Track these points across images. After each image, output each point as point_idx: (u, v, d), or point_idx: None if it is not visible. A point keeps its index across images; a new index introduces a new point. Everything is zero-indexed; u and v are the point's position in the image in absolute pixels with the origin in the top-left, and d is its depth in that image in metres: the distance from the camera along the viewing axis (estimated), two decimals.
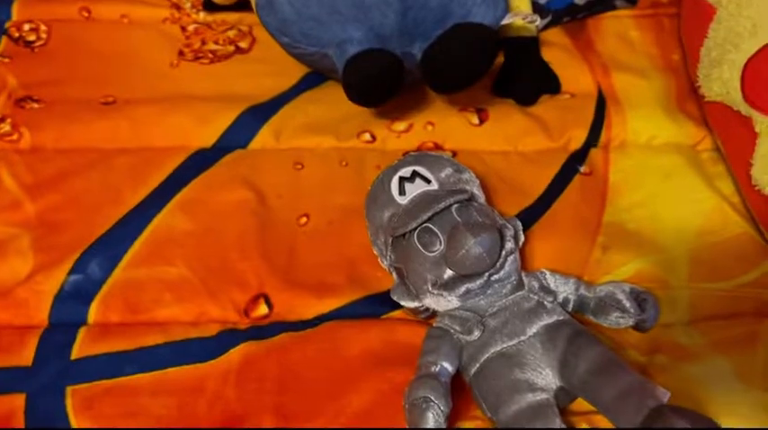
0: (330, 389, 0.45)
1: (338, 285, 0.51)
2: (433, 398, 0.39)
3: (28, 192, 0.55)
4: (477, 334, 0.42)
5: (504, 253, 0.43)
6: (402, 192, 0.47)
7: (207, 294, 0.50)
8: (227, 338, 0.48)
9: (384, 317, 0.49)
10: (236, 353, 0.47)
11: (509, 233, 0.44)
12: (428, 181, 0.47)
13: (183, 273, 0.51)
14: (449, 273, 0.43)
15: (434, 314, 0.47)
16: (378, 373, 0.46)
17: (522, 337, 0.42)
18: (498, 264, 0.43)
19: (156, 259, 0.52)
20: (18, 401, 0.44)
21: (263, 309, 0.50)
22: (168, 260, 0.52)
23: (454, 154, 0.58)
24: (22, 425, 0.43)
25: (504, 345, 0.42)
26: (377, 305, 0.50)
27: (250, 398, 0.45)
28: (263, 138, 0.59)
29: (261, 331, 0.48)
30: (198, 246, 0.53)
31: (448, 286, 0.43)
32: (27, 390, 0.45)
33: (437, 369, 0.42)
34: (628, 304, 0.43)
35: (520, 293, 0.44)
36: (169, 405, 0.45)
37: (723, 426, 0.36)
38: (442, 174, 0.48)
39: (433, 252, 0.44)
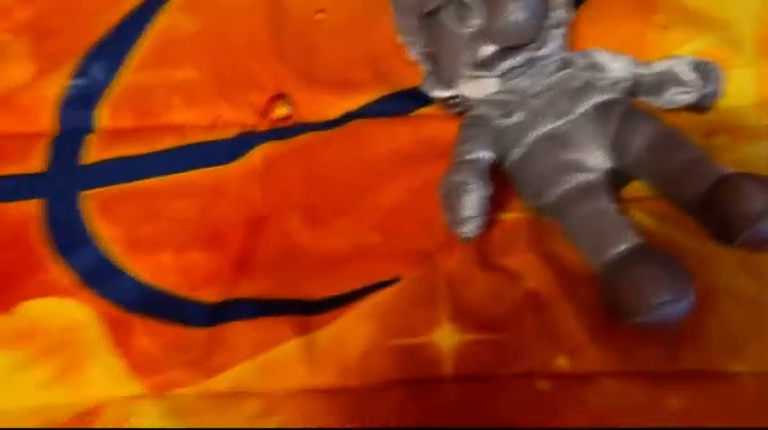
0: (359, 187, 0.42)
1: (362, 82, 0.46)
2: (471, 181, 0.36)
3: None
4: (518, 116, 0.38)
5: (549, 24, 0.38)
6: None
7: (221, 97, 0.46)
8: (247, 140, 0.44)
9: (412, 114, 0.45)
10: (257, 154, 0.44)
11: (556, 0, 0.39)
12: None
13: (193, 75, 0.47)
14: (488, 49, 0.38)
15: (468, 107, 0.43)
16: (408, 170, 0.43)
17: (570, 117, 0.38)
18: (542, 38, 0.38)
19: (162, 62, 0.47)
20: (34, 207, 0.42)
21: (283, 110, 0.46)
22: (176, 63, 0.47)
23: None
24: (43, 233, 0.41)
25: (550, 126, 0.38)
26: (405, 102, 0.45)
27: (275, 198, 0.42)
28: None
29: (282, 132, 0.45)
30: (207, 48, 0.48)
31: (486, 64, 0.39)
32: (42, 196, 0.43)
33: (474, 156, 0.38)
34: (689, 77, 0.38)
35: (567, 71, 0.39)
36: (191, 207, 0.43)
37: None
38: None
39: (470, 27, 0.39)
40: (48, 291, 0.39)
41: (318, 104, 0.46)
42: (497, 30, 0.37)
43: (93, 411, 0.36)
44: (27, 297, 0.39)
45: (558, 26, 0.39)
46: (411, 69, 0.46)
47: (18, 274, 0.40)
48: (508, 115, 0.38)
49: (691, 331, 0.35)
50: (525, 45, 0.38)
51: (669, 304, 0.31)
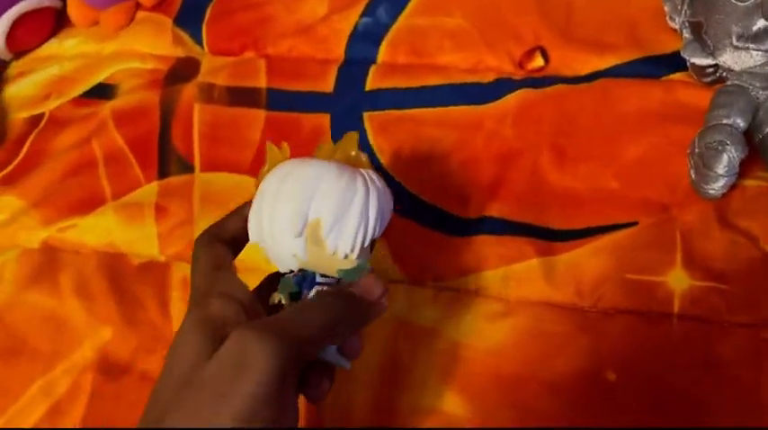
0: (605, 136, 0.46)
1: (617, 44, 0.50)
2: (729, 142, 0.39)
3: None
4: None
5: None
6: None
7: (484, 44, 0.52)
8: (504, 85, 0.50)
9: (664, 78, 0.48)
10: (512, 98, 0.49)
11: None
12: None
13: (462, 23, 0.53)
14: (761, 23, 0.40)
15: (721, 79, 0.45)
16: (655, 128, 0.46)
17: None
18: None
19: (436, 10, 0.54)
20: (324, 119, 0.51)
21: (538, 61, 0.51)
22: (448, 11, 0.54)
23: None
24: (330, 141, 0.50)
25: None
26: (657, 66, 0.48)
27: (527, 137, 0.48)
28: None
29: (536, 81, 0.50)
30: (475, 0, 0.54)
31: (757, 38, 0.41)
32: (330, 111, 0.52)
33: (731, 121, 0.41)
34: None
35: None
36: (451, 137, 0.49)
37: None
38: None
39: (745, 1, 0.41)
40: None
41: (572, 60, 0.50)
42: None
43: None
44: None
45: None
46: (665, 36, 0.49)
47: None
48: None
49: None
50: None
51: None
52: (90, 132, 0.53)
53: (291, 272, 0.32)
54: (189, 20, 0.57)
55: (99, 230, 0.49)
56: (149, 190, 0.50)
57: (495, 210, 0.45)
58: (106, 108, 0.54)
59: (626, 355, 0.39)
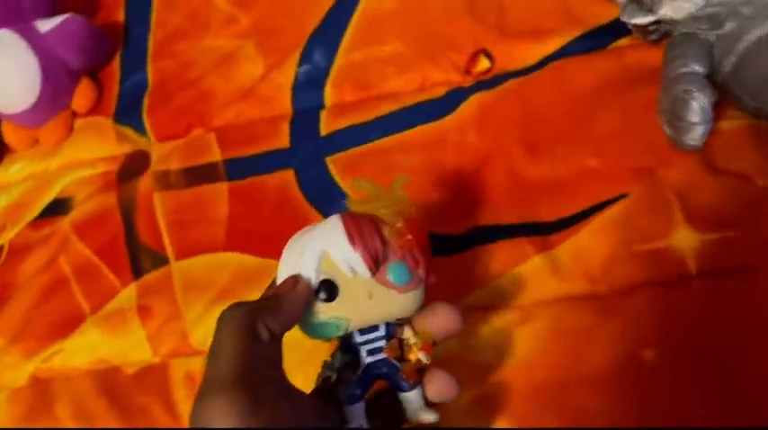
0: (571, 117, 0.45)
1: (555, 27, 0.49)
2: (693, 89, 0.38)
3: (239, 7, 0.59)
4: (729, 26, 0.40)
5: None
6: None
7: (425, 61, 0.51)
8: (457, 95, 0.49)
9: (611, 47, 0.48)
10: (468, 106, 0.48)
11: None
12: None
13: (398, 47, 0.53)
14: None
15: (667, 33, 0.45)
16: (617, 96, 0.45)
17: None
18: None
19: (369, 41, 0.54)
20: (288, 175, 0.50)
21: (484, 64, 0.50)
22: (381, 39, 0.53)
23: None
24: (300, 194, 0.49)
25: (765, 30, 0.39)
26: (601, 37, 0.48)
27: (493, 139, 0.46)
28: None
29: (487, 83, 0.49)
30: (406, 21, 0.53)
31: None
32: (292, 166, 0.50)
33: (690, 69, 0.40)
34: None
35: None
36: (418, 159, 0.48)
37: None
38: None
39: None
40: None
41: (516, 53, 0.50)
42: None
43: None
44: None
45: None
46: (600, 8, 0.48)
47: (288, 230, 0.47)
48: (719, 26, 0.40)
49: None
50: None
51: None
52: (54, 251, 0.51)
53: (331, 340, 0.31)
54: (128, 114, 0.56)
55: (86, 349, 0.46)
56: (127, 294, 0.48)
57: (482, 219, 0.44)
58: (65, 223, 0.52)
59: (656, 330, 0.37)
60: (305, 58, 0.54)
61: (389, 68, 0.52)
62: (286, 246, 0.32)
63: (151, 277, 0.48)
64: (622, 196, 0.41)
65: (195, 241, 0.49)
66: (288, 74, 0.54)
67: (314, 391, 0.31)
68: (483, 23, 0.51)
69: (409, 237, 0.30)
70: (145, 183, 0.52)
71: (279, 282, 0.30)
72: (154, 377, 0.44)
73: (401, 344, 0.31)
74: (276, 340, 0.28)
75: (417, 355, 0.31)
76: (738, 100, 0.40)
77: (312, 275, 0.30)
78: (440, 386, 0.30)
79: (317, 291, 0.29)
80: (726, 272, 0.37)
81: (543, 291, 0.40)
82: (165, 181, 0.52)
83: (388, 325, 0.31)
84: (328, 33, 0.55)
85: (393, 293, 0.30)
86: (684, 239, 0.39)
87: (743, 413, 0.34)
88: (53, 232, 0.52)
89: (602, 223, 0.41)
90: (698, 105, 0.38)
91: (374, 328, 0.31)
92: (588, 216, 0.41)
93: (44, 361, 0.46)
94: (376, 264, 0.30)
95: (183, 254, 0.48)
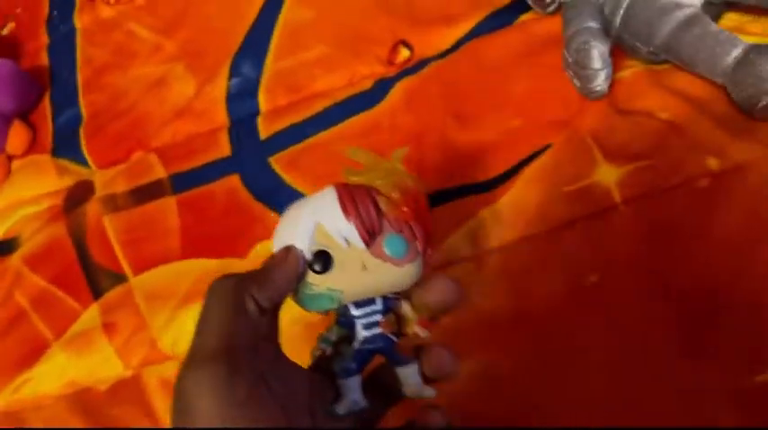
0: (491, 88, 0.49)
1: (463, 12, 0.54)
2: (591, 39, 0.43)
3: (163, 35, 0.61)
4: None
5: None
6: None
7: (350, 58, 0.55)
8: (384, 84, 0.53)
9: (516, 23, 0.52)
10: (396, 92, 0.52)
11: None
12: None
13: (323, 49, 0.56)
14: None
15: (560, 6, 0.50)
16: (528, 63, 0.49)
17: None
18: None
19: (294, 48, 0.57)
20: (234, 180, 0.52)
21: (404, 53, 0.54)
22: (305, 45, 0.57)
23: None
24: (248, 196, 0.50)
25: None
26: (506, 15, 0.52)
27: (424, 117, 0.50)
28: None
29: (410, 70, 0.53)
30: (327, 26, 0.57)
31: None
32: (237, 171, 0.52)
33: (585, 26, 0.45)
34: None
35: None
36: (357, 145, 0.50)
37: None
38: None
39: None
40: (269, 233, 0.48)
41: (432, 40, 0.54)
42: None
43: None
44: (254, 242, 0.48)
45: None
46: None
47: (243, 229, 0.49)
48: None
49: None
50: None
51: None
52: (8, 288, 0.50)
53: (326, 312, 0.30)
54: (66, 148, 0.57)
55: (54, 374, 0.46)
56: (90, 315, 0.48)
57: (427, 188, 0.46)
58: (15, 259, 0.52)
59: (596, 256, 0.41)
60: (234, 71, 0.57)
61: (317, 70, 0.55)
62: (281, 219, 0.30)
63: (111, 295, 0.48)
64: (546, 147, 0.45)
65: (151, 255, 0.49)
66: (220, 88, 0.56)
67: (311, 366, 0.30)
68: (397, 17, 0.55)
69: (405, 209, 0.29)
70: (92, 208, 0.53)
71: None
72: (128, 389, 0.45)
73: (399, 318, 0.30)
74: (265, 312, 0.27)
75: (414, 329, 0.29)
76: (632, 49, 0.45)
77: (305, 246, 0.28)
78: (438, 361, 0.29)
79: (310, 263, 0.28)
80: (646, 195, 0.41)
81: (492, 241, 0.43)
82: (113, 203, 0.52)
83: (385, 299, 0.29)
84: (253, 47, 0.57)
85: (389, 266, 0.29)
86: (606, 174, 0.43)
87: (681, 318, 0.38)
88: (4, 270, 0.52)
89: (533, 173, 0.45)
90: (598, 53, 0.43)
91: (371, 302, 0.29)
92: (521, 168, 0.45)
93: (13, 392, 0.46)
94: (370, 235, 0.28)
95: (140, 269, 0.49)
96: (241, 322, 0.26)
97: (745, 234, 0.38)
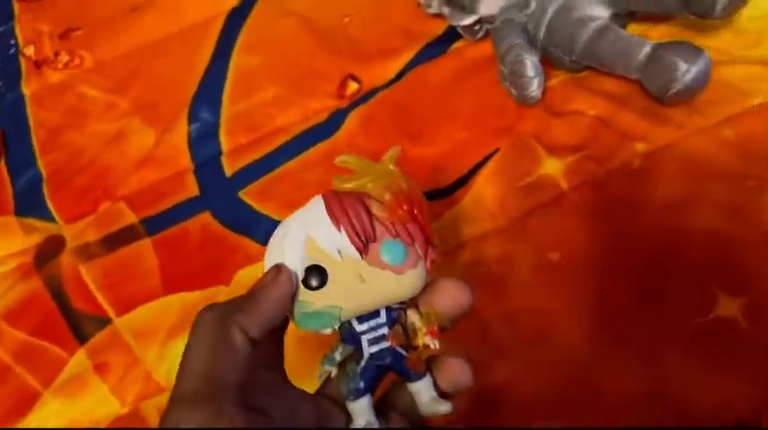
0: (438, 108, 0.55)
1: (402, 45, 0.60)
2: (522, 52, 0.49)
3: (115, 93, 0.63)
4: (534, 4, 0.51)
5: None
6: None
7: (303, 97, 0.59)
8: (338, 115, 0.57)
9: (450, 51, 0.58)
10: (351, 121, 0.56)
11: None
12: None
13: (276, 91, 0.60)
14: None
15: (487, 33, 0.56)
16: (467, 82, 0.55)
17: None
18: None
19: (248, 92, 0.60)
20: (206, 216, 0.54)
21: (353, 86, 0.59)
22: (258, 87, 0.60)
23: None
24: (222, 228, 0.53)
25: (559, 3, 0.51)
26: (441, 45, 0.59)
27: (380, 139, 0.54)
28: None
29: (361, 100, 0.57)
30: (275, 69, 0.61)
31: None
32: (208, 208, 0.54)
33: (515, 42, 0.51)
34: None
35: None
36: (320, 173, 0.54)
37: None
38: None
39: None
40: (250, 259, 0.50)
41: (377, 72, 0.59)
42: None
43: None
44: (236, 269, 0.50)
45: None
46: (432, 23, 0.60)
47: (222, 259, 0.51)
48: (526, 6, 0.51)
49: None
50: None
51: (694, 67, 0.44)
52: None
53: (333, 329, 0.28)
54: (30, 206, 0.57)
55: (50, 419, 0.45)
56: (78, 359, 0.48)
57: None
58: None
59: (554, 237, 0.45)
60: (192, 117, 0.59)
61: (272, 110, 0.59)
62: (271, 237, 0.28)
63: (98, 339, 0.49)
64: (495, 151, 0.50)
65: (132, 296, 0.51)
66: (180, 133, 0.59)
67: (318, 391, 0.29)
68: (341, 55, 0.60)
69: (401, 211, 0.27)
70: (66, 260, 0.53)
71: None
72: (129, 425, 0.45)
73: (406, 330, 0.28)
74: (256, 342, 0.25)
75: (424, 341, 0.27)
76: (557, 59, 0.52)
77: (297, 263, 0.27)
78: (453, 374, 0.27)
79: (303, 280, 0.27)
80: (589, 180, 0.47)
81: (459, 237, 0.47)
82: (87, 253, 0.53)
83: (389, 310, 0.27)
84: (208, 94, 0.61)
85: (388, 274, 0.27)
86: (552, 167, 0.48)
87: (634, 276, 0.43)
88: None
89: (488, 175, 0.50)
90: (531, 62, 0.49)
91: (375, 315, 0.27)
92: (476, 172, 0.50)
93: None
94: (364, 243, 0.27)
95: (123, 310, 0.50)
96: (226, 358, 0.24)
97: (678, 198, 0.44)
